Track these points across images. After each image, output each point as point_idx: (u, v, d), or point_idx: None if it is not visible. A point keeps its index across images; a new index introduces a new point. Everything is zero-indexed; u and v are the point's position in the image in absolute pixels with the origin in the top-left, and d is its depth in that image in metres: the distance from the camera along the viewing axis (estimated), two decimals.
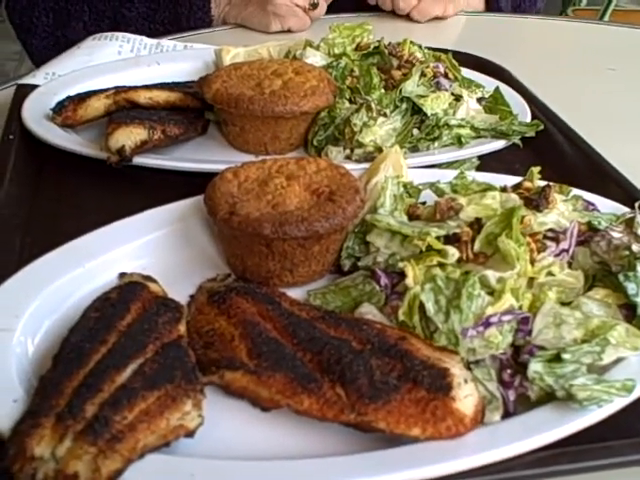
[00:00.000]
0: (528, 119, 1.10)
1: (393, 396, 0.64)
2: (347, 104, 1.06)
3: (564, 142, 1.08)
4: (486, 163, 1.07)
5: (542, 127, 1.08)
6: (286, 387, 0.67)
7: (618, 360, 0.71)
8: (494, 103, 1.12)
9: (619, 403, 0.67)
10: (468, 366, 0.67)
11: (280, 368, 0.68)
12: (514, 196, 0.84)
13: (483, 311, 0.72)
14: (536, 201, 0.82)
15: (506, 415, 0.68)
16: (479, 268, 0.77)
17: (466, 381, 0.65)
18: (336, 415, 0.65)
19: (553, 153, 1.08)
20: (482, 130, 1.07)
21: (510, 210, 0.79)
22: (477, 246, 0.79)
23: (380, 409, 0.64)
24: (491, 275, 0.75)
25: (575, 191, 0.91)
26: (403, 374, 0.66)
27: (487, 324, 0.71)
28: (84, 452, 0.57)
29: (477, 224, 0.81)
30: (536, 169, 0.88)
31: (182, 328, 0.73)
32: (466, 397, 0.64)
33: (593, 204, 0.90)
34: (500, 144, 1.07)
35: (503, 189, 0.86)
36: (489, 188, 0.86)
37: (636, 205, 0.85)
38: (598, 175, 1.01)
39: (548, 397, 0.68)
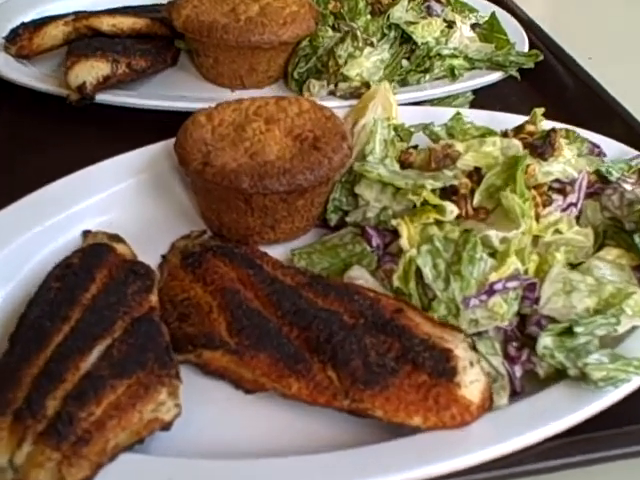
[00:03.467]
0: (526, 48, 1.01)
1: (391, 380, 0.58)
2: (330, 32, 0.96)
3: (565, 74, 1.00)
4: (483, 97, 0.99)
5: (541, 57, 0.99)
6: (271, 369, 0.60)
7: (633, 329, 0.65)
8: (489, 30, 1.03)
9: (637, 382, 0.61)
10: (473, 345, 0.61)
11: (264, 347, 0.61)
12: (516, 142, 0.76)
13: (486, 277, 0.65)
14: (541, 148, 0.75)
15: (512, 394, 0.62)
16: (480, 226, 0.69)
17: (472, 364, 0.59)
18: (328, 401, 0.59)
19: (552, 86, 1.00)
20: (477, 61, 0.98)
21: (513, 159, 0.71)
22: (477, 200, 0.71)
23: (377, 395, 0.58)
24: (494, 235, 0.68)
25: (579, 132, 0.84)
26: (401, 355, 0.59)
27: (491, 292, 0.65)
28: (46, 458, 0.50)
29: (476, 174, 0.73)
30: (540, 110, 0.80)
31: (154, 298, 0.65)
32: (472, 383, 0.58)
33: (599, 146, 0.82)
34: (496, 76, 0.99)
35: (504, 134, 0.78)
36: (489, 132, 0.78)
37: None
38: (601, 111, 0.94)
39: (558, 373, 0.62)
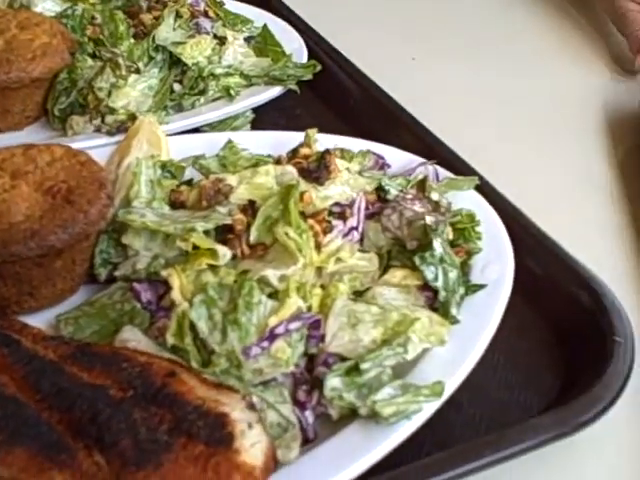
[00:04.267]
0: (304, 58, 0.98)
1: (165, 457, 0.52)
2: (90, 61, 0.88)
3: (347, 81, 0.97)
4: (264, 113, 0.94)
5: (320, 68, 0.96)
6: (30, 463, 0.53)
7: (424, 351, 0.62)
8: (264, 43, 0.98)
9: (431, 408, 0.58)
10: (251, 404, 0.56)
11: (21, 439, 0.54)
12: (290, 169, 0.72)
13: (266, 321, 0.61)
14: (316, 172, 0.71)
15: (306, 441, 0.58)
16: (258, 265, 0.65)
17: (250, 426, 0.54)
18: None
19: (336, 94, 0.97)
20: (253, 77, 0.93)
21: (287, 189, 0.67)
22: (254, 236, 0.67)
23: (151, 476, 0.51)
24: (271, 274, 0.63)
25: (362, 143, 0.81)
26: (175, 426, 0.53)
27: (272, 337, 0.60)
28: None
29: (251, 208, 0.69)
30: (313, 131, 0.76)
31: None
32: (253, 445, 0.53)
33: (383, 157, 0.80)
34: (276, 91, 0.94)
35: (277, 160, 0.74)
36: (260, 161, 0.74)
37: (428, 163, 0.75)
38: (386, 117, 0.91)
39: (352, 412, 0.58)
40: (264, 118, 0.93)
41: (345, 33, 1.06)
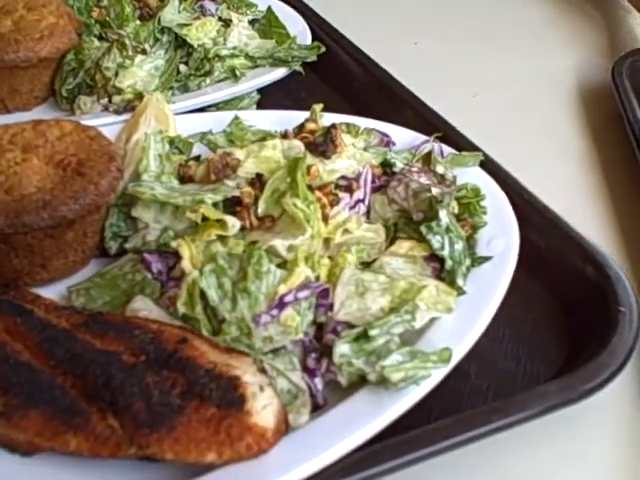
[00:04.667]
0: (308, 40, 0.98)
1: (178, 420, 0.53)
2: (97, 42, 0.89)
3: (350, 63, 0.98)
4: (270, 95, 0.95)
5: (324, 49, 0.96)
6: (45, 427, 0.54)
7: (432, 320, 0.63)
8: (268, 25, 0.99)
9: (439, 375, 0.59)
10: (262, 368, 0.57)
11: (35, 403, 0.55)
12: (297, 143, 0.73)
13: (275, 290, 0.62)
14: (322, 146, 0.72)
15: (316, 408, 0.59)
16: (266, 236, 0.66)
17: (262, 388, 0.55)
18: (112, 452, 0.53)
19: (340, 76, 0.97)
20: (258, 59, 0.94)
21: (294, 162, 0.68)
22: (262, 208, 0.68)
23: (164, 438, 0.52)
24: (280, 244, 0.64)
25: (367, 122, 0.82)
26: (187, 390, 0.54)
27: (282, 305, 0.61)
28: None
29: (259, 181, 0.70)
30: (318, 107, 0.77)
31: None
32: (264, 408, 0.54)
33: (388, 135, 0.80)
34: (280, 72, 0.95)
35: (284, 135, 0.75)
36: (267, 136, 0.75)
37: (431, 138, 0.76)
38: (391, 98, 0.92)
39: (361, 379, 0.59)
40: (269, 100, 0.94)
41: (348, 17, 1.07)
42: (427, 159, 0.74)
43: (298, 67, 0.95)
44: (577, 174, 0.90)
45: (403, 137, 0.81)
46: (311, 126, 0.75)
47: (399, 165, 0.73)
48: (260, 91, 0.94)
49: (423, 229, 0.66)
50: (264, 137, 0.75)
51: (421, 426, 0.58)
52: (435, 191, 0.68)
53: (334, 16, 1.05)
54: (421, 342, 0.61)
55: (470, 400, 0.63)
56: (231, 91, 0.90)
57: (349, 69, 0.98)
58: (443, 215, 0.67)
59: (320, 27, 1.03)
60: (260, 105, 0.93)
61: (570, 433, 0.62)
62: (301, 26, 1.01)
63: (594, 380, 0.60)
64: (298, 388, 0.59)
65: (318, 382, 0.60)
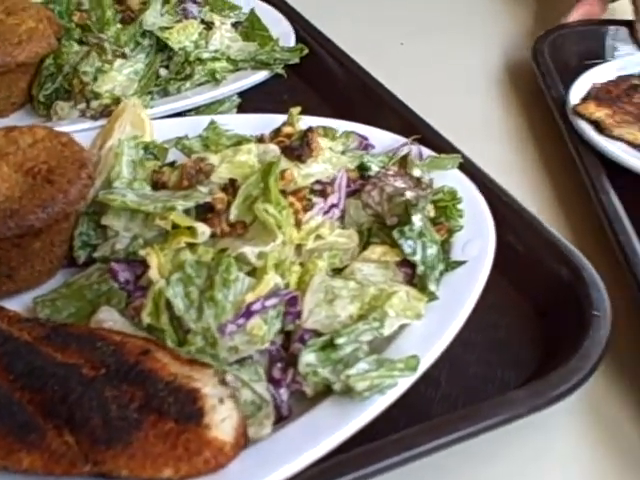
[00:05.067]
0: (292, 42, 0.97)
1: (135, 435, 0.52)
2: (76, 47, 0.88)
3: (334, 65, 0.97)
4: (251, 98, 0.94)
5: (307, 51, 0.95)
6: None
7: (401, 327, 0.62)
8: (251, 28, 0.98)
9: (406, 383, 0.58)
10: (223, 380, 0.55)
11: None
12: (273, 147, 0.71)
13: (243, 298, 0.60)
14: (298, 150, 0.70)
15: (280, 419, 0.58)
16: (237, 243, 0.64)
17: (222, 401, 0.53)
18: (66, 469, 0.52)
19: (323, 78, 0.96)
20: (240, 62, 0.93)
21: (266, 167, 0.66)
22: (234, 214, 0.66)
23: (120, 454, 0.51)
24: (250, 251, 0.63)
25: (347, 125, 0.81)
26: (145, 404, 0.53)
27: (249, 314, 0.60)
28: None
29: (232, 187, 0.68)
30: (296, 110, 0.76)
31: None
32: (223, 421, 0.53)
33: (366, 138, 0.79)
34: (261, 75, 0.94)
35: (260, 139, 0.74)
36: (243, 140, 0.74)
37: (409, 140, 0.75)
38: (373, 100, 0.91)
39: (328, 388, 0.58)
40: (251, 103, 0.93)
41: (332, 19, 1.06)
42: (404, 162, 0.73)
43: (280, 70, 0.93)
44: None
45: (383, 140, 0.79)
46: (288, 130, 0.74)
47: (375, 169, 0.71)
48: (241, 94, 0.93)
49: (395, 234, 0.64)
50: (239, 141, 0.74)
51: (388, 435, 0.56)
52: (410, 195, 0.67)
53: (317, 17, 1.04)
54: (391, 349, 0.60)
55: (440, 408, 0.61)
56: (211, 95, 0.89)
57: (332, 72, 0.97)
58: (417, 219, 0.65)
59: (304, 29, 1.01)
60: (241, 108, 0.92)
61: (541, 437, 0.61)
62: (285, 28, 0.99)
63: (564, 385, 0.58)
64: (262, 399, 0.58)
65: (283, 393, 0.58)
